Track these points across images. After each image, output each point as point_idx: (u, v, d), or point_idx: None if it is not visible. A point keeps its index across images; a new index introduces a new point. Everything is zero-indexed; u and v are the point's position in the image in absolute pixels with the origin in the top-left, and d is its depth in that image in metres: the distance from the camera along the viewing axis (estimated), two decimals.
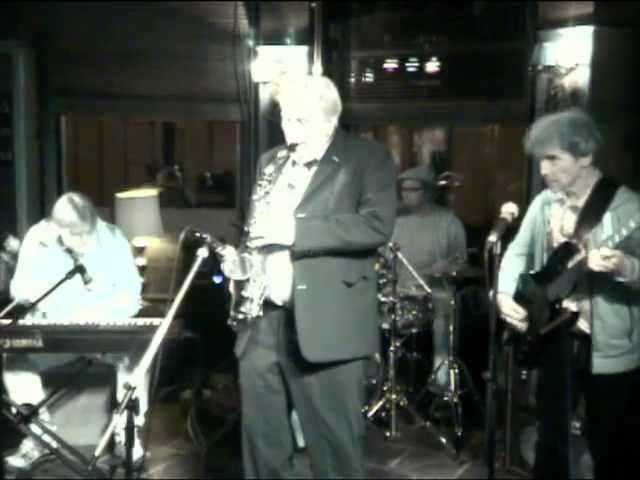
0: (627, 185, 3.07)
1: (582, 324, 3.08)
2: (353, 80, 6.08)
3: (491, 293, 3.31)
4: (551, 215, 3.20)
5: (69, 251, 4.04)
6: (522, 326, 3.21)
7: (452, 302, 4.83)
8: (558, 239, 3.14)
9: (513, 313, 3.18)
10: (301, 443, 3.35)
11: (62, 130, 6.26)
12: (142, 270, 5.76)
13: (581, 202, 3.08)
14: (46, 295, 3.70)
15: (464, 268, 4.84)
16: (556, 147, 3.01)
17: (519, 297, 3.22)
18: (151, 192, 6.02)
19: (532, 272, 3.26)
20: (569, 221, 3.11)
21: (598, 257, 2.85)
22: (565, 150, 3.00)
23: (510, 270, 3.26)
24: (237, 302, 2.92)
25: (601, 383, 3.07)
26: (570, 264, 3.04)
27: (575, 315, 3.05)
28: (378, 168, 2.96)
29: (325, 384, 2.97)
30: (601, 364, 3.03)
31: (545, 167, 3.06)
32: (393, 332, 4.67)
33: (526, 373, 3.91)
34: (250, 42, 5.82)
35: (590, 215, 3.03)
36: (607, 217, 2.99)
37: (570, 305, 3.08)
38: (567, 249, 3.06)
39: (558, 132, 3.01)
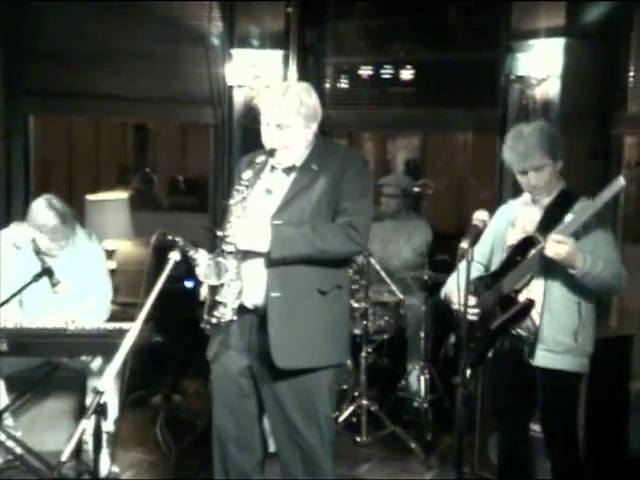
0: (594, 195, 3.12)
1: (531, 318, 3.13)
2: (328, 86, 6.09)
3: (443, 290, 3.34)
4: (516, 217, 3.28)
5: (37, 252, 3.98)
6: (474, 312, 3.22)
7: (423, 308, 4.85)
8: (519, 237, 3.20)
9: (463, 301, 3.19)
10: (272, 448, 3.33)
11: (30, 130, 6.19)
12: (111, 273, 5.70)
13: (546, 202, 3.19)
14: (11, 299, 3.66)
15: (436, 275, 4.86)
16: (543, 157, 3.11)
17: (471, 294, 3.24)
18: (122, 194, 5.98)
19: (484, 275, 3.32)
20: (533, 220, 3.19)
21: (552, 242, 2.94)
22: (550, 157, 3.12)
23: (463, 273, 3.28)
24: (211, 306, 2.90)
25: (547, 380, 3.13)
26: (528, 256, 3.12)
27: (531, 302, 3.10)
28: (356, 177, 2.97)
29: (296, 389, 2.97)
30: (543, 357, 3.10)
31: (533, 178, 3.14)
32: (365, 338, 4.68)
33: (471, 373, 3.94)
34: (225, 45, 5.80)
35: (553, 214, 3.14)
36: (569, 218, 3.09)
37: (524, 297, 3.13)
38: (527, 243, 3.14)
39: (541, 141, 3.11)
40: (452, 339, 3.37)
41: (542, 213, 3.18)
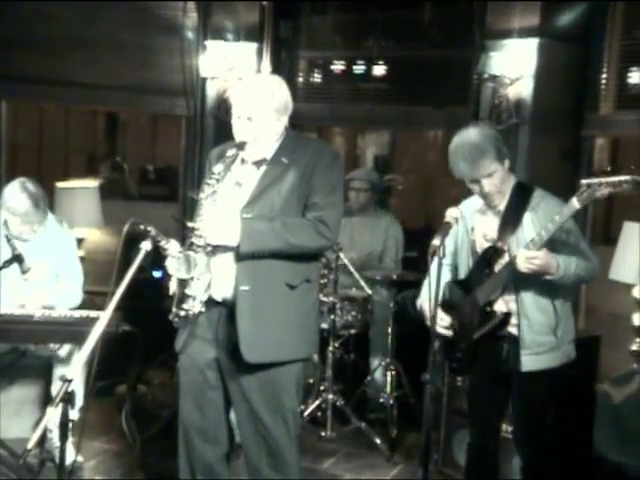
0: (565, 195, 3.15)
1: (510, 326, 3.16)
2: (301, 80, 6.11)
3: (419, 301, 3.38)
4: (474, 224, 3.28)
5: (8, 239, 3.93)
6: (447, 333, 3.27)
7: (391, 304, 4.87)
8: (482, 245, 3.22)
9: (438, 320, 3.17)
10: (238, 440, 3.33)
11: (1, 116, 6.12)
12: (80, 261, 5.66)
13: (502, 206, 3.18)
14: None
15: (404, 272, 4.89)
16: (492, 163, 3.08)
17: (446, 305, 3.27)
18: (92, 183, 5.93)
19: (458, 280, 3.33)
20: (492, 226, 3.20)
21: (523, 259, 2.96)
22: (497, 161, 3.10)
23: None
24: (180, 299, 2.90)
25: (529, 381, 3.15)
26: (497, 267, 3.14)
27: (507, 316, 3.14)
28: (326, 171, 2.97)
29: (263, 383, 2.97)
30: (530, 361, 3.12)
31: (487, 185, 3.12)
32: (332, 332, 4.68)
33: (461, 379, 3.97)
34: (199, 36, 5.78)
35: (511, 218, 3.14)
36: (527, 217, 3.11)
37: (500, 307, 3.16)
38: (492, 253, 3.16)
39: (487, 147, 3.08)
40: (437, 344, 3.38)
41: (500, 219, 3.17)
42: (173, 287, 2.98)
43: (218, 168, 2.90)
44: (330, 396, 4.65)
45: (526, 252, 2.97)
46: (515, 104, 4.98)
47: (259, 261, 2.89)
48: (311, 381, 4.78)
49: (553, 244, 3.04)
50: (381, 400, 4.79)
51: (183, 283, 2.88)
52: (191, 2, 5.79)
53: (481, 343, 3.21)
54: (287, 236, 2.87)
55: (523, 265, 2.98)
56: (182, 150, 6.16)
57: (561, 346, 3.17)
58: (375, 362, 5.02)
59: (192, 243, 2.86)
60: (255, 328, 2.91)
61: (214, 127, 5.77)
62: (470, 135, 3.13)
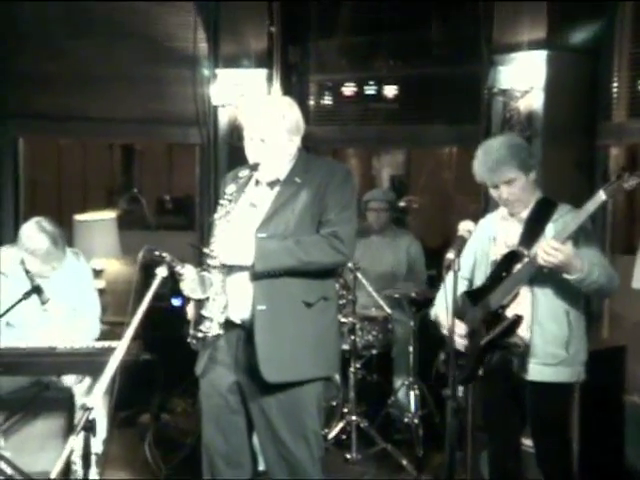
0: (579, 206, 3.14)
1: (521, 332, 3.11)
2: (312, 103, 6.15)
3: (433, 310, 3.38)
4: (496, 232, 3.27)
5: (27, 271, 3.96)
6: (462, 342, 3.23)
7: (412, 323, 4.84)
8: (503, 252, 3.20)
9: (456, 329, 3.12)
10: (262, 466, 3.31)
11: (20, 153, 6.21)
12: (100, 293, 5.68)
13: (525, 214, 3.19)
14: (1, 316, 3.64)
15: (424, 290, 4.87)
16: (512, 170, 3.11)
17: (459, 313, 3.22)
18: (110, 214, 5.98)
19: (471, 290, 3.31)
20: (514, 233, 3.19)
21: (547, 249, 2.89)
22: (520, 170, 3.12)
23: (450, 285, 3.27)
24: (197, 321, 2.91)
25: (539, 393, 3.11)
26: (514, 270, 3.11)
27: (519, 318, 3.08)
28: (339, 188, 2.99)
29: (284, 404, 2.96)
30: (536, 371, 3.09)
31: (505, 192, 3.14)
32: (353, 353, 4.67)
33: (463, 390, 3.93)
34: (209, 65, 5.84)
35: (534, 226, 3.14)
36: (550, 228, 3.09)
37: (512, 312, 3.12)
38: (512, 257, 3.14)
39: (509, 155, 3.11)
40: (442, 356, 3.36)
41: (523, 226, 3.17)
42: (190, 313, 3.00)
43: (230, 189, 2.93)
44: (354, 418, 4.62)
45: (551, 241, 2.91)
46: (526, 117, 4.97)
47: (275, 280, 2.90)
48: (334, 403, 4.75)
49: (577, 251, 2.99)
50: (406, 420, 4.75)
51: (199, 304, 2.89)
52: (201, 32, 5.86)
53: (488, 352, 3.15)
54: (300, 253, 2.88)
55: (545, 257, 2.90)
56: (197, 178, 6.21)
57: (572, 364, 3.12)
58: (399, 382, 4.99)
59: (208, 264, 2.87)
60: (273, 347, 2.91)
61: (227, 154, 5.82)
62: (498, 141, 3.21)
